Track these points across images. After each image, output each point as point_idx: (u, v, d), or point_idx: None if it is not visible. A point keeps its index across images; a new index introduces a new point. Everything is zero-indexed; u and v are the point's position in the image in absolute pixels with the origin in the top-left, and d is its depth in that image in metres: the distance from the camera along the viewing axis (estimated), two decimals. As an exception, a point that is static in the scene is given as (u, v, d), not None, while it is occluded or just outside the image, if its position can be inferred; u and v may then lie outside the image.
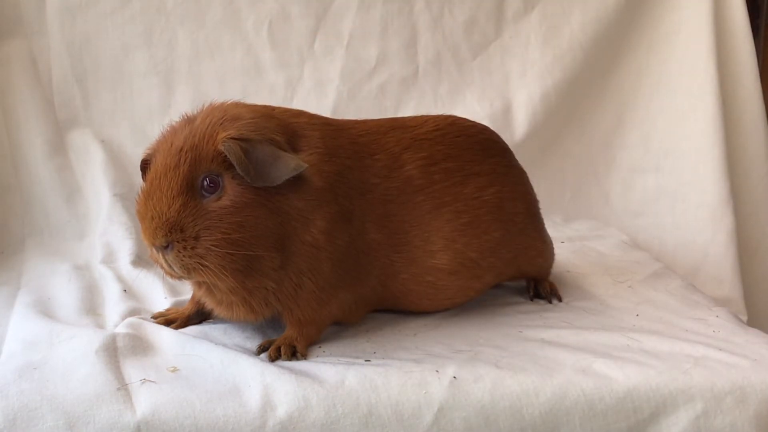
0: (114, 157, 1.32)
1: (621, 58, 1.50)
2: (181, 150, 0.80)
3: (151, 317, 0.93)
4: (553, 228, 1.43)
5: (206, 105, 0.86)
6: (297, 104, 1.41)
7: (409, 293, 0.93)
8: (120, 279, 1.08)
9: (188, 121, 0.84)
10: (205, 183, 0.80)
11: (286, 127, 0.85)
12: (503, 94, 1.46)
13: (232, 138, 0.80)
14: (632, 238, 1.41)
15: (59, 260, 1.14)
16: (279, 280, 0.83)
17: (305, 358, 0.83)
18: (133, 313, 0.96)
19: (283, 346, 0.84)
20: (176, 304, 0.99)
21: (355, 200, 0.87)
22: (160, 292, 1.04)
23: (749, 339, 0.92)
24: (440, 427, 0.73)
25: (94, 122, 1.35)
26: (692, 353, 0.87)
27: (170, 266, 0.80)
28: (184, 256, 0.79)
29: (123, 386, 0.74)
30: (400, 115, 1.43)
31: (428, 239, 0.91)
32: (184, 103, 1.38)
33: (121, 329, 0.89)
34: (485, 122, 1.42)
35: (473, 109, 1.44)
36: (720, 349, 0.88)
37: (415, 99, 1.44)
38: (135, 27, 1.37)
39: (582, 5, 1.47)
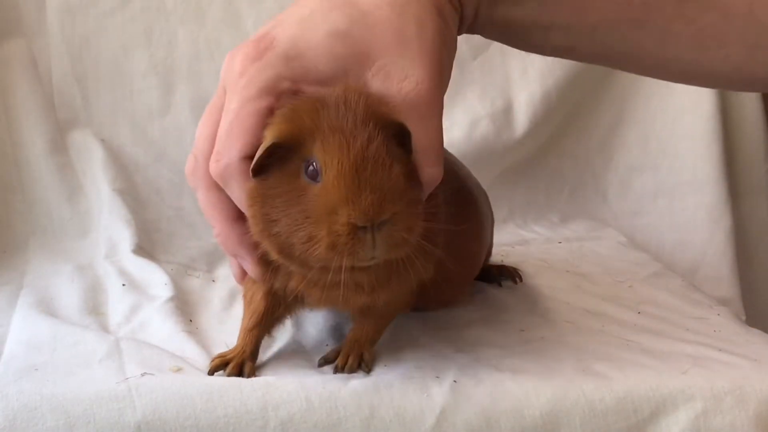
0: (114, 155, 1.32)
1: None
2: (366, 122, 0.71)
3: (211, 362, 0.82)
4: (550, 228, 1.44)
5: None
6: (297, 104, 1.41)
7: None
8: (121, 273, 1.08)
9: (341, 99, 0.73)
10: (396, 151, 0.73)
11: None
12: (504, 93, 1.46)
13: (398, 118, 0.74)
14: (630, 237, 1.41)
15: (62, 259, 1.14)
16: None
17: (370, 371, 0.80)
18: (133, 308, 0.96)
19: (352, 355, 0.80)
20: (176, 292, 0.99)
21: None
22: (160, 280, 1.04)
23: (749, 339, 0.93)
24: (442, 429, 0.73)
25: (94, 122, 1.36)
26: (692, 353, 0.87)
27: (373, 248, 0.70)
28: (398, 228, 0.70)
29: (123, 380, 0.73)
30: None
31: None
32: (184, 103, 1.38)
33: (125, 332, 0.89)
34: (486, 121, 1.43)
35: (474, 108, 1.44)
36: (720, 349, 0.88)
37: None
38: (135, 27, 1.37)
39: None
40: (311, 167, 0.70)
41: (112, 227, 1.20)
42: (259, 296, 0.82)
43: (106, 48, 1.36)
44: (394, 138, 0.72)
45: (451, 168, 0.92)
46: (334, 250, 0.69)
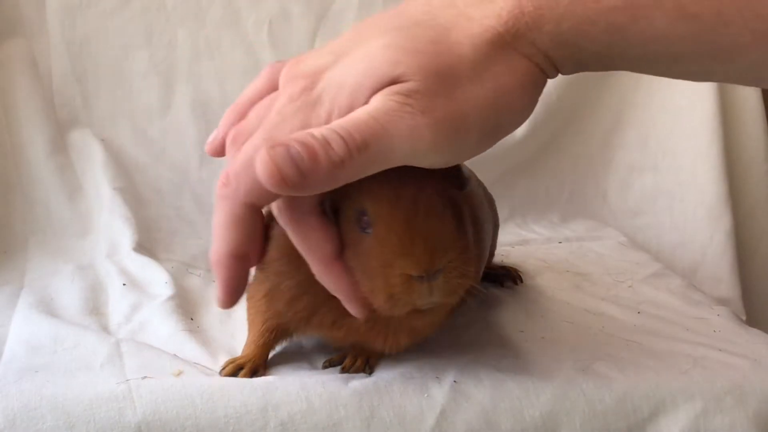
0: (114, 155, 1.32)
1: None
2: (410, 169, 0.69)
3: (223, 369, 0.82)
4: (550, 228, 1.44)
5: None
6: (297, 104, 1.41)
7: None
8: (122, 272, 1.07)
9: None
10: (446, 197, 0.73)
11: None
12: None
13: None
14: (630, 237, 1.41)
15: (62, 259, 1.14)
16: None
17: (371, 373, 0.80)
18: (134, 307, 0.96)
19: (360, 358, 0.81)
20: (177, 290, 0.99)
21: None
22: (160, 279, 1.04)
23: (749, 339, 0.93)
24: (442, 429, 0.73)
25: (94, 122, 1.36)
26: (692, 353, 0.87)
27: (430, 294, 0.70)
28: (453, 276, 0.70)
29: (123, 382, 0.73)
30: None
31: None
32: (184, 103, 1.38)
33: (125, 333, 0.89)
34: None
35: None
36: (720, 349, 0.88)
37: (415, 99, 1.44)
38: (135, 27, 1.37)
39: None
40: (363, 217, 0.70)
41: (112, 226, 1.20)
42: (266, 324, 0.82)
43: (106, 48, 1.36)
44: (441, 177, 0.72)
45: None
46: (392, 300, 0.69)
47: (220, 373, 0.79)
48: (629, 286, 1.11)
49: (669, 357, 0.86)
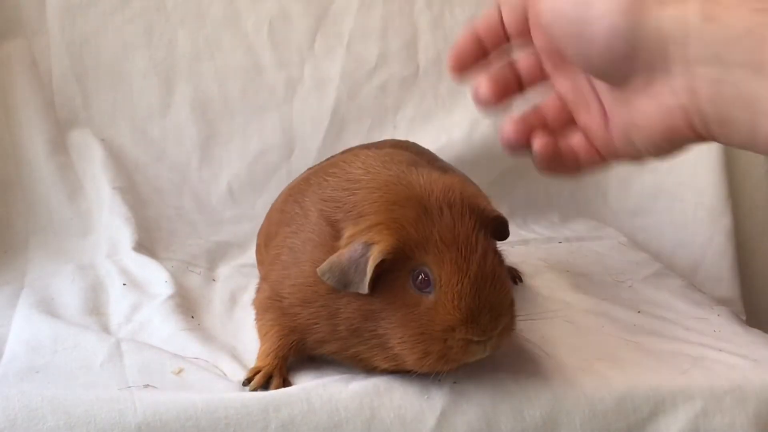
0: (114, 155, 1.32)
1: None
2: (474, 228, 0.72)
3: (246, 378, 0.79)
4: (550, 228, 1.44)
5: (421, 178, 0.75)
6: (297, 104, 1.41)
7: None
8: (122, 272, 1.07)
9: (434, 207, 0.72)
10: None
11: None
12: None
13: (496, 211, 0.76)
14: (629, 237, 1.41)
15: (63, 259, 1.14)
16: None
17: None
18: (134, 307, 0.96)
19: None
20: (177, 289, 0.99)
21: None
22: (160, 278, 1.04)
23: (750, 339, 0.93)
24: (443, 430, 0.73)
25: (94, 122, 1.36)
26: (692, 353, 0.87)
27: (483, 352, 0.72)
28: (507, 333, 0.73)
29: (125, 388, 0.74)
30: (400, 115, 1.43)
31: None
32: (184, 103, 1.38)
33: (125, 333, 0.89)
34: (487, 121, 1.43)
35: (474, 108, 1.43)
36: (720, 350, 0.88)
37: (416, 99, 1.44)
38: (135, 27, 1.37)
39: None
40: (421, 277, 0.70)
41: (112, 226, 1.20)
42: (281, 342, 0.80)
43: (106, 48, 1.36)
44: (490, 231, 0.73)
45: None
46: (444, 360, 0.70)
47: (243, 384, 0.77)
48: (629, 286, 1.11)
49: (669, 357, 0.86)
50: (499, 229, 0.76)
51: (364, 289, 0.70)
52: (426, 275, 0.70)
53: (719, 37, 0.69)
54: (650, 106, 0.71)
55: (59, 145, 1.30)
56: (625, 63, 0.73)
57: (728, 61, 0.68)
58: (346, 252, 0.71)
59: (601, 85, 0.69)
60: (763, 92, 0.66)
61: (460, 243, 0.70)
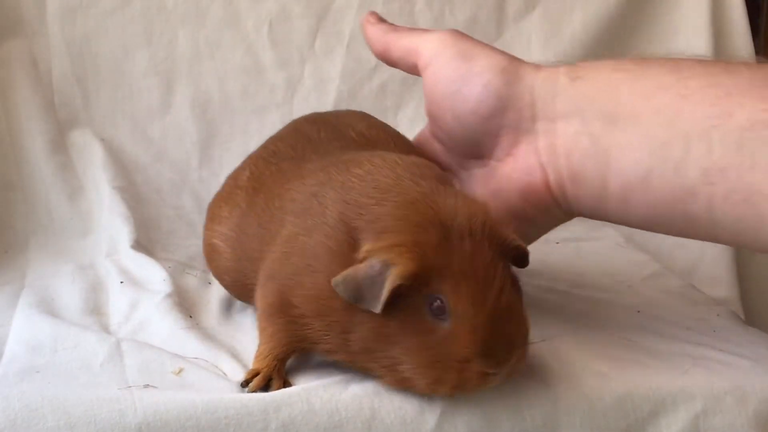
0: (114, 155, 1.32)
1: (621, 57, 1.50)
2: (495, 259, 0.71)
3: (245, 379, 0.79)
4: (550, 228, 1.43)
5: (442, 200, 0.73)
6: (297, 104, 1.41)
7: None
8: (120, 271, 1.07)
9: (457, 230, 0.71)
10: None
11: None
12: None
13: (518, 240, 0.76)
14: (628, 237, 1.41)
15: (63, 259, 1.14)
16: None
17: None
18: (133, 306, 0.96)
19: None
20: (174, 288, 0.99)
21: None
22: (158, 276, 1.04)
23: (749, 339, 0.93)
24: (443, 430, 0.73)
25: (94, 122, 1.36)
26: (692, 353, 0.87)
27: (499, 380, 0.72)
28: (520, 363, 0.73)
29: (125, 387, 0.74)
30: (400, 115, 1.43)
31: None
32: (184, 103, 1.38)
33: (125, 332, 0.89)
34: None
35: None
36: (720, 349, 0.88)
37: (416, 99, 1.44)
38: (135, 27, 1.37)
39: (583, 5, 1.47)
40: (437, 303, 0.70)
41: (112, 225, 1.20)
42: (284, 347, 0.79)
43: (106, 48, 1.36)
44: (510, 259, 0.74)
45: None
46: (459, 388, 0.71)
47: (242, 385, 0.76)
48: (628, 287, 1.11)
49: (669, 357, 0.86)
50: (519, 258, 0.76)
51: (377, 308, 0.69)
52: (442, 302, 0.70)
53: (582, 91, 0.77)
54: (513, 167, 0.77)
55: (59, 145, 1.31)
56: (494, 121, 0.79)
57: (588, 113, 0.75)
58: (363, 267, 0.70)
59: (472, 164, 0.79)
60: (614, 144, 0.73)
61: (478, 273, 0.69)
